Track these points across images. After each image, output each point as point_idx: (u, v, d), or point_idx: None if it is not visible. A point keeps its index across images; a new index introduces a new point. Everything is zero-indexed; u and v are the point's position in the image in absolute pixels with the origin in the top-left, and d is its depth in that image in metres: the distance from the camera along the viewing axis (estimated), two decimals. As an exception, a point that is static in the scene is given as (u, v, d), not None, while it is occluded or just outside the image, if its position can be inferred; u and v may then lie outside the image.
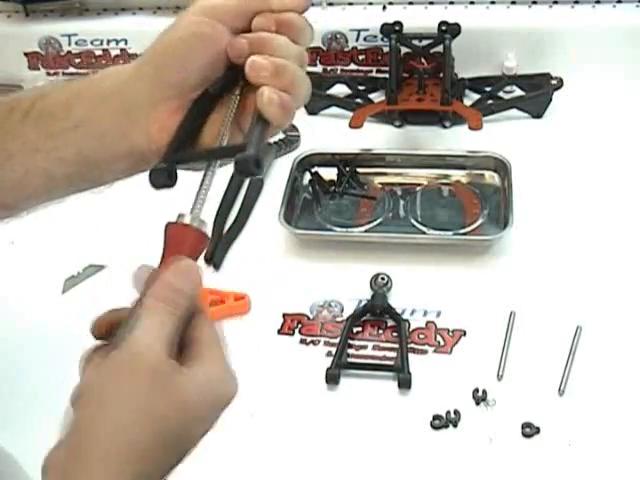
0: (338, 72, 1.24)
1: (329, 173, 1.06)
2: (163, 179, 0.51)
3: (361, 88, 1.21)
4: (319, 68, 1.24)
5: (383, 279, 0.90)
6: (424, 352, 0.84)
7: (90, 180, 0.57)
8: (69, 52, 1.29)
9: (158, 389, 0.44)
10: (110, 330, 0.47)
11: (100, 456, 0.42)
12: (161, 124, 0.53)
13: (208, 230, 0.50)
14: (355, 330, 0.87)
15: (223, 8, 0.53)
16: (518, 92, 1.17)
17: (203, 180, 0.51)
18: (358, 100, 1.19)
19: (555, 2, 1.18)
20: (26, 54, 1.30)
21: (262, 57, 0.52)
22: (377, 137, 1.13)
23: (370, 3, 1.23)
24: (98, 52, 1.28)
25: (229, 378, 0.47)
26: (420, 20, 1.16)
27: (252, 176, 0.49)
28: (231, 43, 0.52)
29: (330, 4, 1.24)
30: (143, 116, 0.53)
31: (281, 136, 1.14)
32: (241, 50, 0.52)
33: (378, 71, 1.23)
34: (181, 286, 0.47)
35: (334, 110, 1.19)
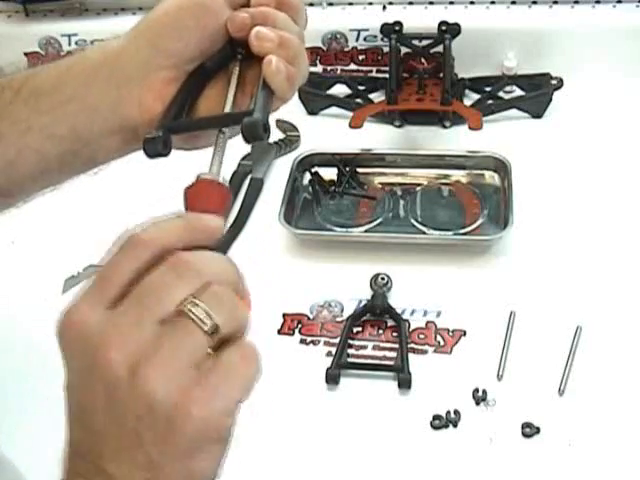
0: (338, 72, 1.24)
1: (329, 173, 1.06)
2: (158, 147, 0.50)
3: (361, 88, 1.21)
4: (319, 68, 1.24)
5: (383, 279, 0.90)
6: (424, 352, 0.84)
7: (83, 158, 0.56)
8: (69, 52, 1.29)
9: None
10: None
11: None
12: (155, 94, 0.52)
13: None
14: (355, 330, 0.87)
15: None
16: (518, 92, 1.17)
17: (216, 147, 0.50)
18: (358, 100, 1.19)
19: (555, 2, 1.18)
20: (26, 54, 1.30)
21: (267, 28, 0.51)
22: (377, 137, 1.13)
23: (370, 3, 1.23)
24: (98, 52, 1.28)
25: None
26: (420, 20, 1.16)
27: (260, 140, 0.48)
28: (232, 17, 0.52)
29: (330, 4, 1.24)
30: (135, 86, 0.52)
31: (281, 136, 1.14)
32: (243, 23, 0.52)
33: (378, 71, 1.23)
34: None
35: (334, 110, 1.19)
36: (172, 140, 0.51)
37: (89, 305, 0.41)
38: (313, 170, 1.05)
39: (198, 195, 0.48)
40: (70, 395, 0.42)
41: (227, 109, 0.52)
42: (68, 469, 0.42)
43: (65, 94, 0.53)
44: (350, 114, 1.13)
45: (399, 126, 1.16)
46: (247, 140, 0.48)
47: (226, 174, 0.52)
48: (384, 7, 1.21)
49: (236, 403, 0.41)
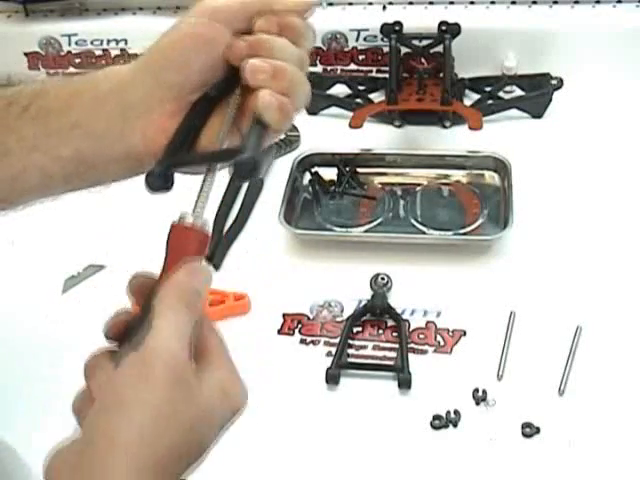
0: (338, 72, 1.24)
1: (329, 173, 1.06)
2: (159, 182, 0.50)
3: (361, 88, 1.21)
4: (319, 68, 1.24)
5: (383, 279, 0.90)
6: (424, 352, 0.84)
7: (87, 180, 0.56)
8: (69, 52, 1.29)
9: (179, 393, 0.43)
10: (124, 331, 0.47)
11: (119, 461, 0.41)
12: (158, 127, 0.52)
13: (210, 229, 0.50)
14: (355, 330, 0.87)
15: (224, 9, 0.52)
16: (518, 92, 1.17)
17: (204, 182, 0.50)
18: (358, 100, 1.19)
19: (555, 2, 1.18)
20: (26, 54, 1.30)
21: (260, 60, 0.51)
22: (377, 137, 1.13)
23: (370, 3, 1.23)
24: (98, 52, 1.28)
25: (241, 388, 0.47)
26: (420, 20, 1.16)
27: (251, 179, 0.48)
28: (229, 45, 0.52)
29: (330, 4, 1.24)
30: (140, 118, 0.53)
31: (281, 136, 1.14)
32: (239, 52, 0.52)
33: (378, 71, 1.23)
34: (197, 287, 0.47)
35: (334, 110, 1.19)
36: (173, 174, 0.51)
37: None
38: (313, 170, 1.05)
39: (178, 240, 0.49)
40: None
41: (221, 141, 0.52)
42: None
43: (72, 119, 0.54)
44: (350, 114, 1.13)
45: (399, 126, 1.16)
46: (238, 179, 0.49)
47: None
48: (384, 7, 1.21)
49: None
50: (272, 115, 0.50)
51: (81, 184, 0.57)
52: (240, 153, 0.48)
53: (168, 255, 0.49)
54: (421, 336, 0.86)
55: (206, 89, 0.53)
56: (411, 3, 1.21)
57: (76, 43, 1.28)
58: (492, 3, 1.20)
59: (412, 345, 0.85)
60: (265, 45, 0.52)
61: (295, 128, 1.15)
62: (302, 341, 0.87)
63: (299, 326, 0.88)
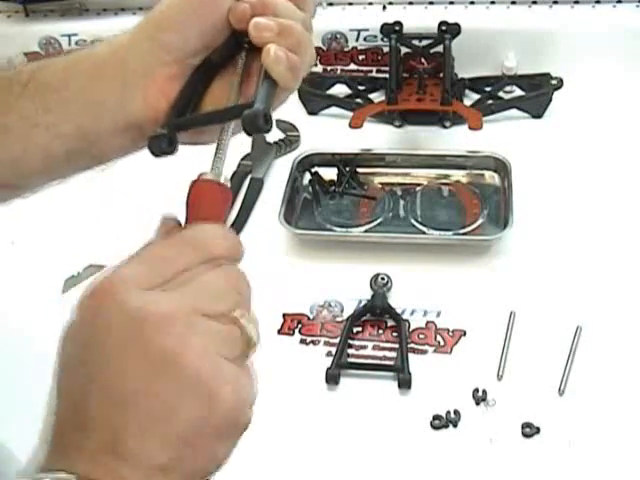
0: (338, 72, 1.24)
1: (329, 173, 1.06)
2: (163, 145, 0.49)
3: (361, 88, 1.21)
4: (319, 68, 1.24)
5: (383, 279, 0.90)
6: (424, 352, 0.84)
7: (90, 156, 0.55)
8: (69, 52, 1.29)
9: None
10: None
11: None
12: (159, 90, 0.51)
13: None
14: (355, 330, 0.87)
15: None
16: (518, 92, 1.17)
17: (220, 141, 0.49)
18: (358, 100, 1.19)
19: (555, 2, 1.18)
20: (26, 54, 1.30)
21: (265, 18, 0.50)
22: (377, 137, 1.13)
23: (370, 3, 1.23)
24: (98, 52, 1.28)
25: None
26: (420, 20, 1.16)
27: (261, 132, 0.47)
28: (232, 7, 0.51)
29: (330, 4, 1.24)
30: (139, 83, 0.52)
31: (281, 136, 1.14)
32: (243, 14, 0.51)
33: (378, 71, 1.23)
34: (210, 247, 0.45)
35: (334, 110, 1.19)
36: (177, 137, 0.51)
37: (137, 280, 0.43)
38: (313, 170, 1.05)
39: (199, 198, 0.48)
40: (89, 359, 0.42)
41: (231, 102, 0.51)
42: (58, 443, 0.41)
43: (71, 90, 0.53)
44: (350, 114, 1.13)
45: (399, 126, 1.16)
46: (248, 132, 0.47)
47: (226, 174, 0.52)
48: (384, 7, 1.21)
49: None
50: (281, 70, 0.49)
51: (83, 161, 0.56)
52: (250, 107, 0.47)
53: (189, 211, 0.47)
54: (421, 336, 0.86)
55: (208, 53, 0.52)
56: (411, 3, 1.21)
57: (76, 43, 1.28)
58: (492, 3, 1.20)
59: (412, 345, 0.85)
60: (269, 5, 0.51)
61: (295, 128, 1.15)
62: (302, 341, 0.87)
63: (299, 326, 0.88)
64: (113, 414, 0.40)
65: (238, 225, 1.01)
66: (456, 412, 0.77)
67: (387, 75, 1.15)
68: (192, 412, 0.40)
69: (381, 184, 1.05)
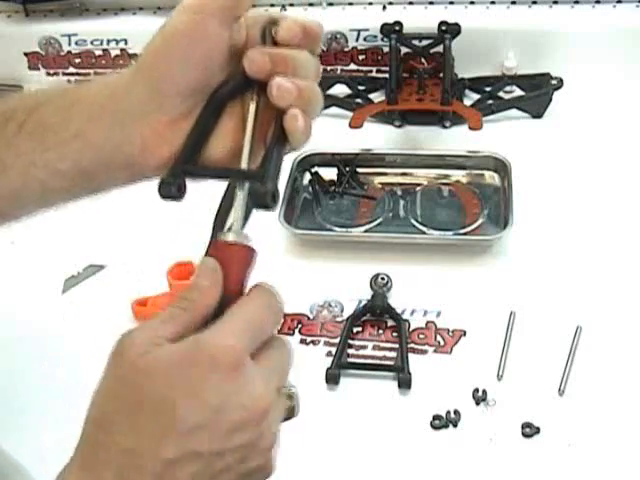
0: (338, 72, 1.25)
1: (329, 173, 1.06)
2: (173, 191, 0.49)
3: (361, 88, 1.21)
4: (319, 68, 1.24)
5: (383, 279, 0.90)
6: (424, 352, 0.84)
7: (89, 190, 0.56)
8: (69, 52, 1.29)
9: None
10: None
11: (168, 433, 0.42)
12: (159, 135, 0.51)
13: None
14: (355, 330, 0.87)
15: (213, 4, 0.50)
16: (518, 92, 1.18)
17: (235, 195, 0.50)
18: (358, 100, 1.19)
19: (555, 2, 1.19)
20: (26, 54, 1.31)
21: (286, 80, 0.50)
22: (377, 137, 1.13)
23: (370, 3, 1.23)
24: (98, 52, 1.29)
25: None
26: (420, 20, 1.16)
27: (267, 210, 0.48)
28: (250, 57, 0.50)
29: (330, 4, 1.24)
30: (138, 128, 0.51)
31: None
32: (262, 67, 0.50)
33: (378, 71, 1.23)
34: (265, 326, 0.48)
35: (334, 110, 1.19)
36: (186, 184, 0.50)
37: (247, 354, 0.45)
38: (313, 170, 1.05)
39: (231, 265, 0.48)
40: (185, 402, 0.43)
41: (245, 154, 0.51)
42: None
43: (70, 131, 0.53)
44: (350, 114, 1.13)
45: (399, 126, 1.16)
46: (254, 207, 0.48)
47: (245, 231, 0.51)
48: (384, 7, 1.21)
49: None
50: (299, 136, 0.50)
51: (82, 194, 0.56)
52: (259, 178, 0.48)
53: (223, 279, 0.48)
54: (421, 336, 0.86)
55: (209, 93, 0.51)
56: (411, 3, 1.22)
57: (76, 43, 1.28)
58: (492, 3, 1.20)
59: (412, 345, 0.85)
60: (290, 63, 0.51)
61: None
62: (302, 341, 0.87)
63: (299, 326, 0.88)
64: (183, 465, 0.42)
65: None
66: (456, 412, 0.77)
67: (387, 75, 1.15)
68: None
69: (381, 184, 1.05)
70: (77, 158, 0.53)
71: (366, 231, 0.99)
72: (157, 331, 0.44)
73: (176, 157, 0.51)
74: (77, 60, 1.30)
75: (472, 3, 1.20)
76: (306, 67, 0.51)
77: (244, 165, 0.50)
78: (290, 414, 0.51)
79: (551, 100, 1.13)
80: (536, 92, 1.15)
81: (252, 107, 0.52)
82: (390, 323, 0.88)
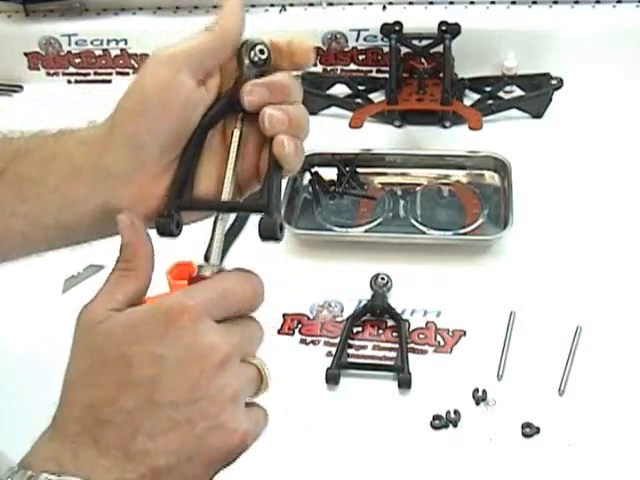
0: (338, 72, 1.25)
1: (329, 173, 1.06)
2: (171, 227, 0.50)
3: (361, 88, 1.21)
4: (319, 68, 1.24)
5: (383, 279, 0.90)
6: (424, 352, 0.84)
7: (71, 242, 0.56)
8: (69, 52, 1.29)
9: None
10: None
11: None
12: (145, 191, 0.51)
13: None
14: (355, 330, 0.87)
15: (184, 55, 0.50)
16: (518, 92, 1.18)
17: (214, 230, 0.50)
18: (358, 100, 1.19)
19: (555, 2, 1.19)
20: (26, 54, 1.31)
21: (278, 109, 0.50)
22: (377, 137, 1.13)
23: (370, 3, 1.23)
24: (98, 52, 1.29)
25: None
26: (420, 20, 1.16)
27: (276, 241, 0.49)
28: (251, 92, 0.50)
29: (330, 4, 1.24)
30: (123, 187, 0.51)
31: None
32: (262, 102, 0.50)
33: (378, 71, 1.23)
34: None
35: (334, 110, 1.19)
36: (181, 222, 0.51)
37: (205, 314, 0.47)
38: (313, 170, 1.05)
39: None
40: (150, 362, 0.45)
41: (228, 184, 0.51)
42: (68, 432, 0.45)
43: (49, 186, 0.52)
44: (350, 114, 1.13)
45: (399, 126, 1.16)
46: (262, 238, 0.49)
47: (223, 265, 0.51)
48: (384, 7, 1.21)
49: None
50: (292, 161, 0.50)
51: (66, 245, 0.56)
52: (266, 211, 0.49)
53: None
54: (421, 336, 0.86)
55: (188, 137, 0.51)
56: (411, 3, 1.22)
57: (76, 43, 1.29)
58: (492, 3, 1.20)
59: (412, 345, 0.85)
60: (285, 91, 0.51)
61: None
62: (302, 341, 0.87)
63: (299, 326, 0.88)
64: (142, 416, 0.44)
65: (238, 225, 1.01)
66: (456, 412, 0.77)
67: (387, 75, 1.15)
68: (208, 440, 0.46)
69: (381, 184, 1.05)
70: (57, 213, 0.52)
71: (366, 231, 0.99)
72: (109, 295, 0.48)
73: (168, 194, 0.50)
74: (77, 60, 1.30)
75: (472, 3, 1.20)
76: (295, 91, 0.52)
77: (225, 196, 0.51)
78: (259, 388, 0.53)
79: (551, 100, 1.13)
80: (536, 92, 1.15)
81: (236, 135, 0.52)
82: (390, 323, 0.88)
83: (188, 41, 0.50)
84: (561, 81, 1.13)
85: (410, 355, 0.83)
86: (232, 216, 0.52)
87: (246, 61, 0.51)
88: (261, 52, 0.52)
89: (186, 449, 0.45)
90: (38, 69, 1.32)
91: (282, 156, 0.50)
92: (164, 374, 0.44)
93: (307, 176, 1.06)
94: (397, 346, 0.84)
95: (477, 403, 0.78)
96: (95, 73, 1.30)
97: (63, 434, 0.45)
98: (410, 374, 0.81)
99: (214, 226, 0.51)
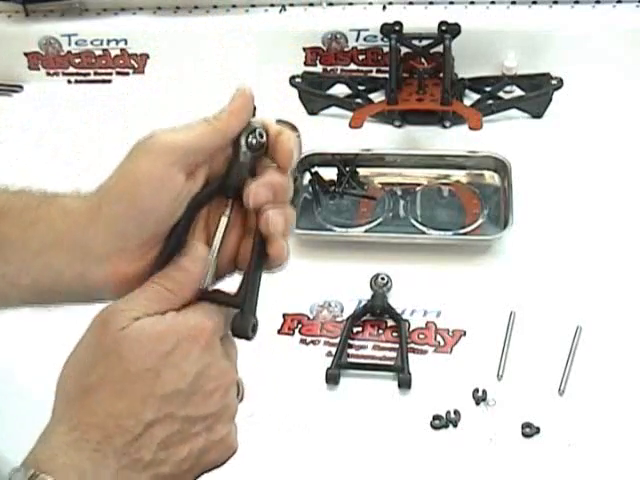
0: (338, 72, 1.24)
1: (329, 173, 1.05)
2: (247, 334, 0.51)
3: (361, 88, 1.21)
4: (319, 68, 1.24)
5: (383, 279, 0.90)
6: (424, 352, 0.84)
7: (46, 303, 0.55)
8: (69, 52, 1.29)
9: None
10: None
11: (144, 398, 0.46)
12: (121, 274, 0.50)
13: None
14: (355, 330, 0.87)
15: (182, 151, 0.49)
16: (518, 92, 1.17)
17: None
18: (358, 100, 1.19)
19: (555, 2, 1.18)
20: (26, 54, 1.31)
21: (279, 213, 0.51)
22: (377, 137, 1.13)
23: (370, 3, 1.23)
24: (98, 52, 1.29)
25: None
26: (420, 20, 1.16)
27: (247, 339, 0.50)
28: (257, 194, 0.51)
29: (330, 4, 1.24)
30: (100, 266, 0.51)
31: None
32: (266, 200, 0.51)
33: (378, 71, 1.23)
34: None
35: (334, 110, 1.19)
36: None
37: (218, 335, 0.51)
38: (313, 170, 1.05)
39: None
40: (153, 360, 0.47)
41: (210, 269, 0.51)
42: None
43: (30, 251, 0.52)
44: (350, 114, 1.12)
45: (399, 126, 1.16)
46: (233, 335, 0.50)
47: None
48: (384, 7, 1.21)
49: None
50: (282, 262, 0.53)
51: (39, 305, 0.56)
52: (241, 308, 0.50)
53: None
54: (421, 336, 0.86)
55: (168, 230, 0.50)
56: (411, 3, 1.22)
57: (76, 43, 1.28)
58: (492, 3, 1.20)
59: (412, 345, 0.85)
60: (284, 193, 0.52)
61: (295, 128, 1.15)
62: (302, 341, 0.87)
63: (299, 326, 0.88)
64: (160, 428, 0.47)
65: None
66: (456, 412, 0.77)
67: (387, 75, 1.15)
68: (210, 453, 0.50)
69: (381, 184, 1.05)
70: (36, 277, 0.52)
71: (366, 231, 0.99)
72: (142, 308, 0.48)
73: (150, 272, 0.50)
74: (77, 60, 1.30)
75: (472, 3, 1.20)
76: (290, 191, 0.53)
77: (208, 281, 0.51)
78: (240, 397, 0.54)
79: (551, 100, 1.13)
80: (536, 92, 1.15)
81: (223, 221, 0.52)
82: (390, 323, 0.88)
83: (187, 131, 0.50)
84: (561, 81, 1.13)
85: (410, 355, 0.83)
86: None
87: (243, 148, 0.51)
88: (260, 136, 0.51)
89: (190, 460, 0.48)
90: (38, 69, 1.32)
91: (280, 257, 0.52)
92: (187, 390, 0.47)
93: (307, 176, 1.06)
94: (397, 346, 0.84)
95: (477, 403, 0.78)
96: (95, 73, 1.30)
97: (83, 440, 0.45)
98: (410, 374, 0.81)
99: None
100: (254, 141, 0.51)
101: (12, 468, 0.44)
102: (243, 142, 0.51)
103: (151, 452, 0.46)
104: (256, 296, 0.52)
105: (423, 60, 1.16)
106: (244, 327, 0.50)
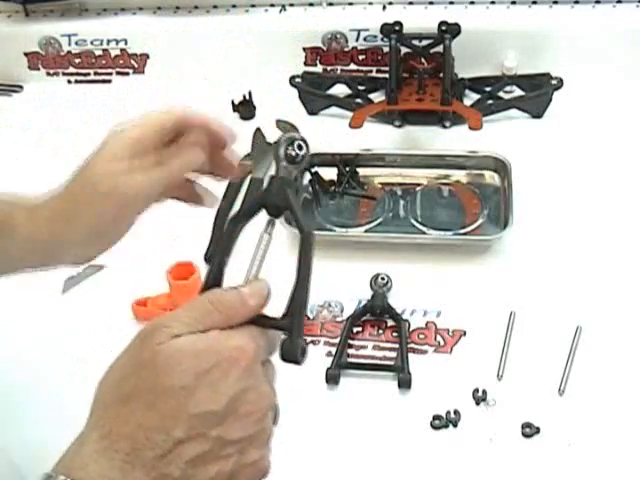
0: (338, 72, 1.25)
1: (329, 173, 1.05)
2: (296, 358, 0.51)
3: (361, 88, 1.21)
4: (319, 68, 1.24)
5: (383, 279, 0.90)
6: (424, 352, 0.84)
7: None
8: (69, 52, 1.29)
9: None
10: None
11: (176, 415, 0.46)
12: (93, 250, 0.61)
13: None
14: (355, 330, 0.87)
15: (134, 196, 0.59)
16: (518, 92, 1.18)
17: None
18: (358, 100, 1.19)
19: (555, 2, 1.19)
20: (26, 54, 1.31)
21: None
22: (377, 137, 1.13)
23: (370, 3, 1.23)
24: (98, 52, 1.29)
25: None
26: (420, 20, 1.16)
27: (297, 364, 0.49)
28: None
29: (330, 4, 1.24)
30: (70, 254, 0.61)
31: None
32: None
33: (378, 71, 1.23)
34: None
35: (334, 110, 1.19)
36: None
37: (259, 359, 0.50)
38: (313, 170, 1.05)
39: None
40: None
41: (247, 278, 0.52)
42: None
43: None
44: (350, 114, 1.13)
45: (399, 126, 1.16)
46: (283, 360, 0.50)
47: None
48: (384, 7, 1.21)
49: None
50: None
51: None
52: (289, 332, 0.49)
53: None
54: (421, 336, 0.86)
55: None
56: (411, 3, 1.22)
57: (76, 43, 1.29)
58: (492, 3, 1.20)
59: (412, 345, 0.85)
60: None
61: (295, 128, 1.15)
62: (302, 341, 0.87)
63: (299, 326, 0.88)
64: (190, 446, 0.46)
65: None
66: (456, 412, 0.77)
67: (387, 75, 1.15)
68: (239, 475, 0.49)
69: (381, 184, 1.05)
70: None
71: (366, 231, 0.99)
72: (186, 326, 0.48)
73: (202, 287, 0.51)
74: (77, 60, 1.30)
75: (472, 3, 1.20)
76: None
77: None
78: (275, 421, 0.53)
79: (551, 100, 1.13)
80: (536, 92, 1.15)
81: (265, 238, 0.52)
82: (390, 323, 0.88)
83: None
84: (561, 81, 1.13)
85: (410, 355, 0.83)
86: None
87: (283, 162, 0.50)
88: (299, 148, 0.50)
89: (217, 479, 0.48)
90: (38, 69, 1.32)
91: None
92: (221, 412, 0.47)
93: (307, 176, 1.06)
94: (397, 346, 0.84)
95: (477, 403, 0.78)
96: (95, 73, 1.30)
97: (112, 450, 0.45)
98: (410, 374, 0.81)
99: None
100: (293, 153, 0.50)
101: (44, 473, 0.44)
102: (282, 154, 0.50)
103: (180, 469, 0.46)
104: (302, 319, 0.50)
105: (423, 60, 1.16)
106: (293, 352, 0.49)
